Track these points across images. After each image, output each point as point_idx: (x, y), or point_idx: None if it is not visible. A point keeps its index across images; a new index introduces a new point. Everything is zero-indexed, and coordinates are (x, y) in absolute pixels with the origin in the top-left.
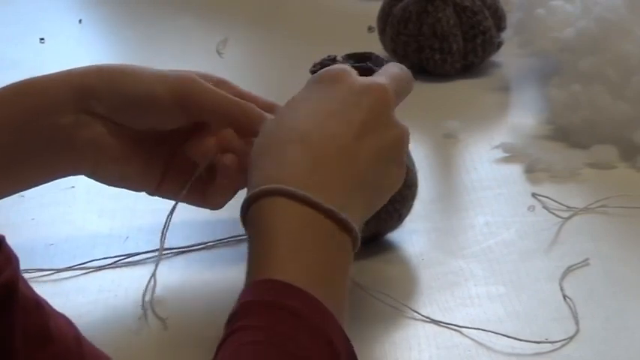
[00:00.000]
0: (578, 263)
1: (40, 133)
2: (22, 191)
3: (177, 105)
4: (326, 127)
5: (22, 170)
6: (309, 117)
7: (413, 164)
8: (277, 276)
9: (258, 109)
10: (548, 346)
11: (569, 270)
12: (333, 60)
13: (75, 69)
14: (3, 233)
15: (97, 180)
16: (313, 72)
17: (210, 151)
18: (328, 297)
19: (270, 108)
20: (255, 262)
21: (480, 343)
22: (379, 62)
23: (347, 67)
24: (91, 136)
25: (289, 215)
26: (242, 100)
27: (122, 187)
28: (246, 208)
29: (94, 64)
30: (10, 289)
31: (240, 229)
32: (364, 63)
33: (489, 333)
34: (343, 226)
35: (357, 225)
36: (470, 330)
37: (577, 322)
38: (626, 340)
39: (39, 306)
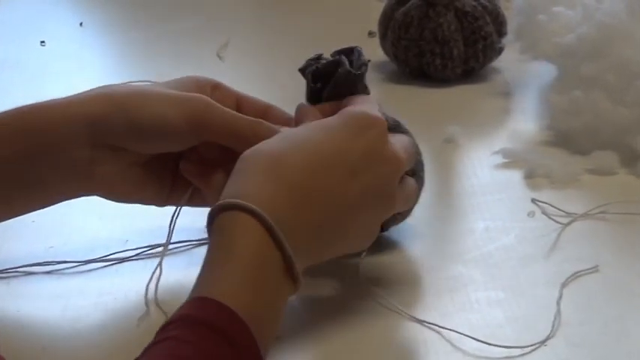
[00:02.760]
0: (578, 269)
1: (54, 166)
2: (29, 212)
3: (189, 128)
4: (320, 174)
5: (33, 196)
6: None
7: (422, 167)
8: (225, 300)
9: (269, 126)
10: (547, 351)
11: (568, 276)
12: (318, 59)
13: (85, 95)
14: (3, 235)
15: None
16: (301, 70)
17: (198, 171)
18: (262, 333)
19: (265, 109)
20: (208, 275)
21: (479, 350)
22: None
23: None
24: (106, 172)
25: (249, 236)
26: (253, 119)
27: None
28: (212, 218)
29: (102, 88)
30: None
31: None
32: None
33: (488, 337)
34: (292, 273)
35: (307, 263)
36: (467, 337)
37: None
38: (626, 346)
39: None
